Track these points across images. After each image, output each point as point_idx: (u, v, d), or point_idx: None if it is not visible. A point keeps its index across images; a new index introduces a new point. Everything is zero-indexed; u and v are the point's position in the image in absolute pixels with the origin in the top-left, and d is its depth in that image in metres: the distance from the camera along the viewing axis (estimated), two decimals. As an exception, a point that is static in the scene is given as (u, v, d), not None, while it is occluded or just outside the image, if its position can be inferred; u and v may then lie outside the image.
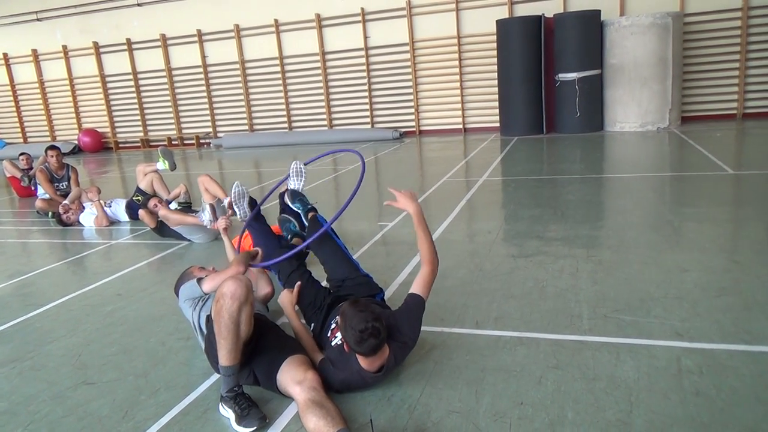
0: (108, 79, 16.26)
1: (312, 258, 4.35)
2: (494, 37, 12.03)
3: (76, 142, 16.50)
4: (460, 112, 13.60)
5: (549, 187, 6.80)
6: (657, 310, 3.08)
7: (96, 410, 2.53)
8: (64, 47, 16.27)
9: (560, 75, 11.47)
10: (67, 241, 6.01)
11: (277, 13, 14.23)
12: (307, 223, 3.64)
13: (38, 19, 16.17)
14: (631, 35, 10.90)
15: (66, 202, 6.83)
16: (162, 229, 5.48)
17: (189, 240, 5.33)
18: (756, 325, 2.84)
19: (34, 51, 16.55)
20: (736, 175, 6.71)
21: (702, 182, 6.41)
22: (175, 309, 3.28)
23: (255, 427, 2.26)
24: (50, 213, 6.80)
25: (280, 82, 14.68)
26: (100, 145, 16.52)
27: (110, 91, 16.38)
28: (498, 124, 12.62)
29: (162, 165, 6.34)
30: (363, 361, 2.37)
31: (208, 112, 15.59)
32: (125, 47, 15.71)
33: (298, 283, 3.03)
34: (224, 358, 2.37)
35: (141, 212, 5.61)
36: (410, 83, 13.77)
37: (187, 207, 6.40)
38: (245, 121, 15.34)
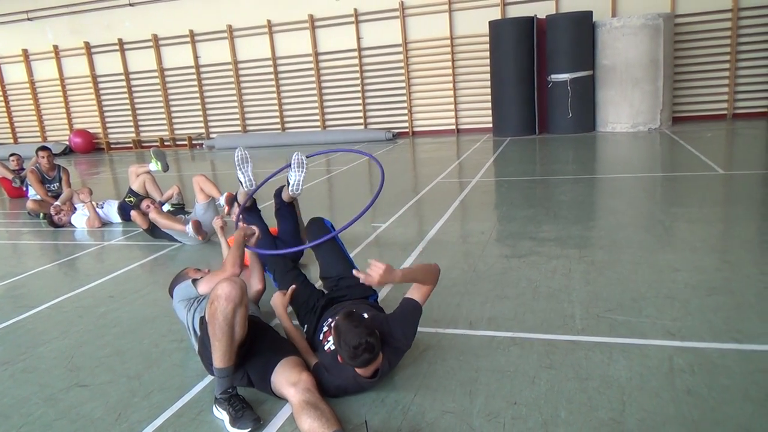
0: (99, 79, 16.16)
1: (306, 260, 4.37)
2: (487, 38, 12.07)
3: (68, 142, 16.38)
4: (453, 113, 13.63)
5: (541, 188, 6.83)
6: (649, 309, 3.11)
7: (89, 412, 2.52)
8: (55, 47, 16.16)
9: (552, 76, 11.52)
10: (59, 243, 5.97)
11: (269, 14, 14.21)
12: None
13: (29, 19, 16.05)
14: (622, 36, 10.96)
15: (57, 203, 6.78)
16: (154, 230, 5.46)
17: (180, 242, 5.32)
18: (747, 324, 2.86)
19: (25, 51, 16.43)
20: (726, 175, 6.76)
21: (693, 182, 6.45)
22: (169, 310, 3.27)
23: (249, 429, 2.26)
24: (41, 214, 6.76)
25: (273, 82, 14.65)
26: (91, 146, 16.41)
27: (102, 92, 16.28)
28: (491, 125, 12.66)
29: (154, 166, 6.32)
30: (357, 369, 2.37)
31: (200, 112, 15.54)
32: (117, 47, 15.63)
33: (293, 286, 3.03)
34: (218, 359, 2.37)
35: (133, 213, 5.58)
36: (403, 84, 13.79)
37: (180, 208, 6.39)
38: (238, 122, 15.30)
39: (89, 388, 2.74)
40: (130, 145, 16.28)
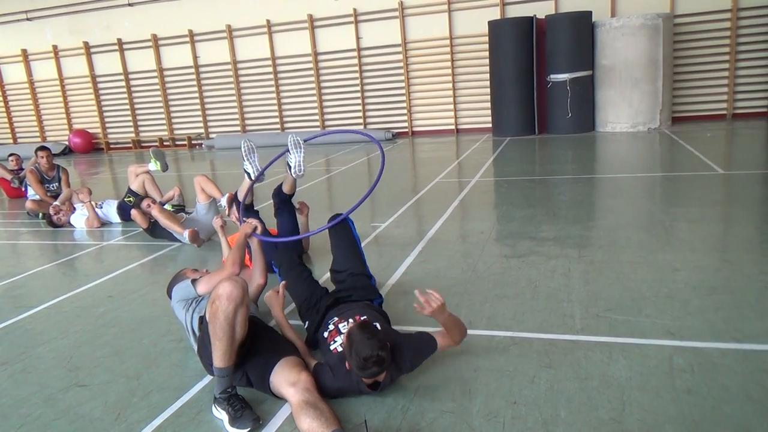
0: (99, 79, 16.15)
1: (310, 257, 4.36)
2: (486, 38, 12.07)
3: (67, 142, 16.37)
4: (452, 113, 13.63)
5: (541, 188, 6.83)
6: (649, 309, 3.10)
7: (88, 412, 2.51)
8: (54, 47, 16.15)
9: (552, 76, 11.52)
10: (58, 243, 5.97)
11: (269, 14, 14.20)
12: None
13: (28, 19, 16.05)
14: (622, 36, 10.97)
15: (57, 203, 6.78)
16: (154, 229, 5.46)
17: (180, 241, 5.31)
18: (746, 324, 2.86)
19: (24, 51, 16.42)
20: (726, 174, 6.76)
21: (692, 182, 6.45)
22: (168, 310, 3.27)
23: (248, 429, 2.25)
24: (41, 214, 6.75)
25: (273, 82, 14.65)
26: (90, 146, 16.40)
27: (101, 92, 16.27)
28: (490, 125, 12.66)
29: (154, 166, 6.32)
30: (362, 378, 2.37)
31: (200, 112, 15.53)
32: (116, 47, 15.62)
33: (283, 282, 3.03)
34: (219, 359, 2.36)
35: (133, 212, 5.58)
36: (403, 84, 13.78)
37: (180, 209, 6.38)
38: (237, 122, 15.29)
39: (88, 388, 2.73)
40: (130, 145, 16.27)
